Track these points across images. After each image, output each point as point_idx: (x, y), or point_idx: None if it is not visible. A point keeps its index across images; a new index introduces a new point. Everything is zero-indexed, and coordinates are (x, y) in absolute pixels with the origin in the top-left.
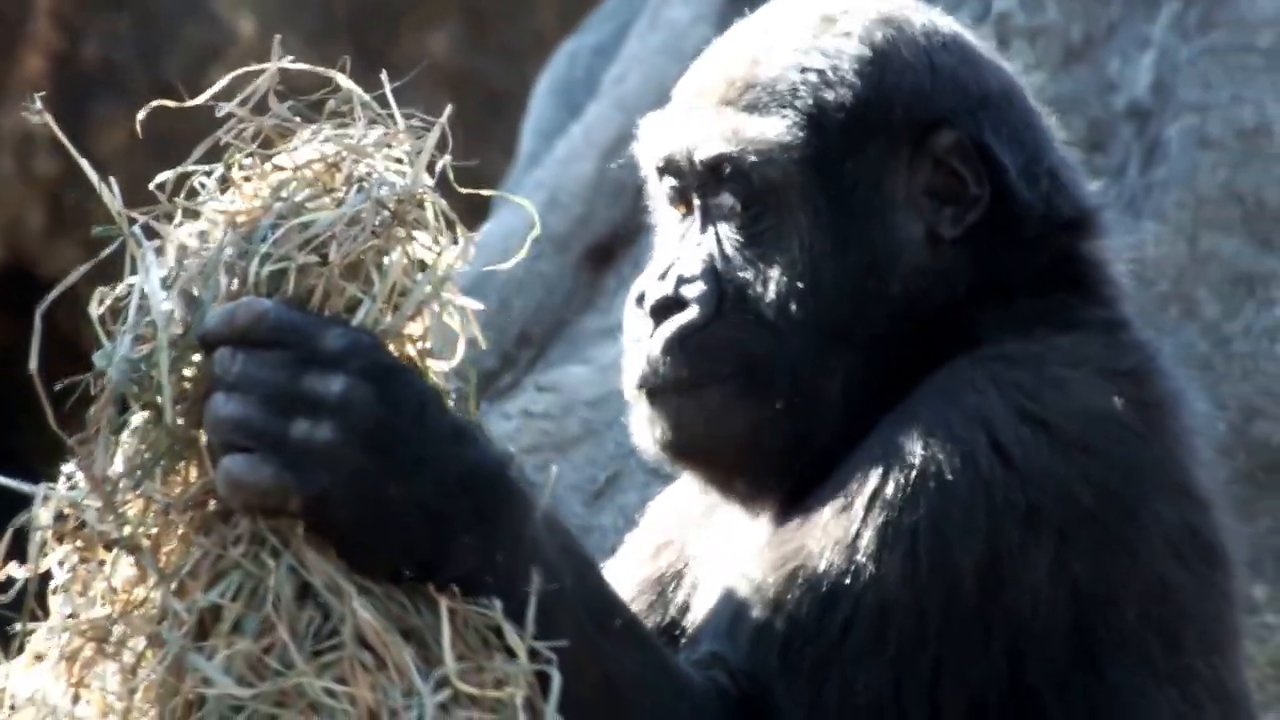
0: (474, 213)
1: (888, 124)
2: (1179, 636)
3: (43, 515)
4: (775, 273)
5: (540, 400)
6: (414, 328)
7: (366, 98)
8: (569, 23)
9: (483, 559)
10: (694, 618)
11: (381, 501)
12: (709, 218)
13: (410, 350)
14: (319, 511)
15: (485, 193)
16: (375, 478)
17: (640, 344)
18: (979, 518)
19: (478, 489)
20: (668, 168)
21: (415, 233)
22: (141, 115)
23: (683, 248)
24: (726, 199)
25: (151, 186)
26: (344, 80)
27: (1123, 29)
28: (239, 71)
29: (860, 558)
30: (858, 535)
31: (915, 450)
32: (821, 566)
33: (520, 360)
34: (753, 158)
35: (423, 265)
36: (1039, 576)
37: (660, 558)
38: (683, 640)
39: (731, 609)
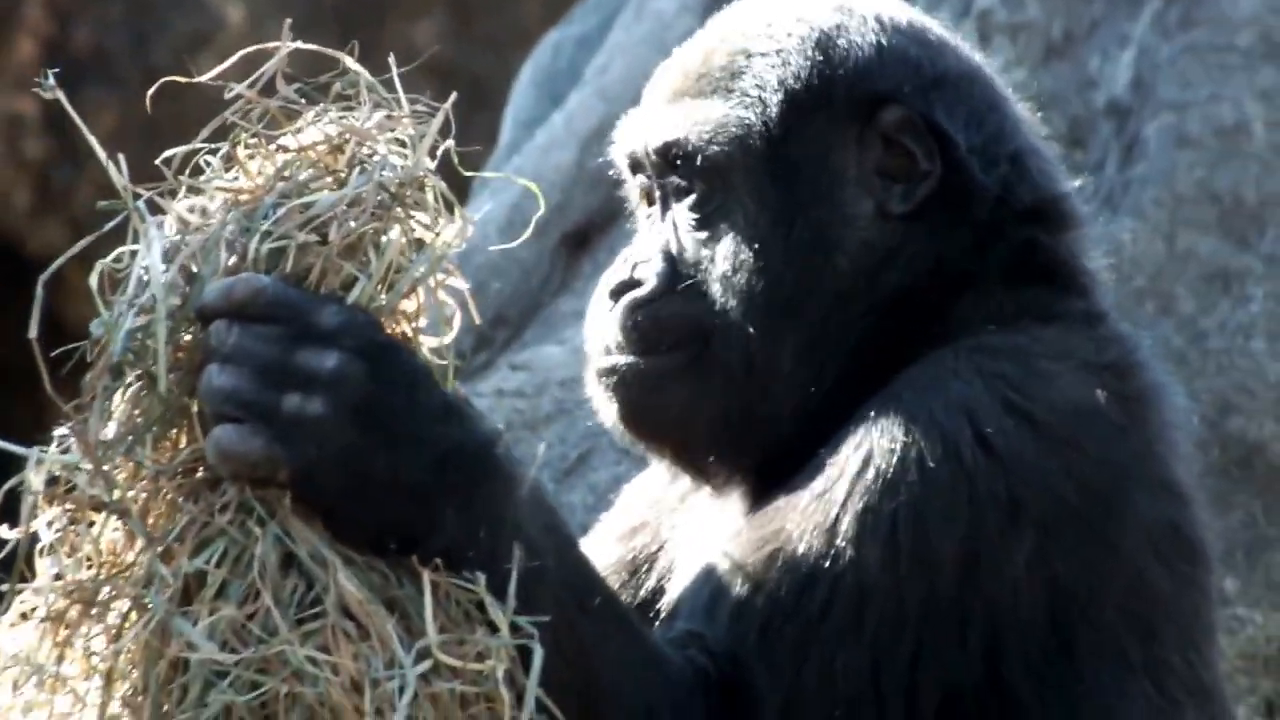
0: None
1: (829, 101)
2: (1156, 631)
3: (34, 478)
4: (723, 250)
5: (514, 379)
6: (409, 305)
7: (373, 81)
8: (552, 14)
9: (466, 534)
10: (668, 600)
11: (368, 475)
12: (666, 205)
13: (405, 328)
14: (306, 483)
15: (487, 175)
16: (363, 452)
17: (599, 321)
18: (960, 507)
19: (463, 465)
20: (632, 163)
21: (414, 214)
22: (152, 91)
23: (645, 237)
24: (678, 183)
25: (158, 162)
26: (351, 63)
27: (1103, 27)
28: (245, 50)
29: (840, 542)
30: (838, 519)
31: (898, 437)
32: (801, 548)
33: (496, 340)
34: (695, 140)
35: (420, 245)
36: (1018, 569)
37: (634, 539)
38: (657, 621)
39: (709, 589)
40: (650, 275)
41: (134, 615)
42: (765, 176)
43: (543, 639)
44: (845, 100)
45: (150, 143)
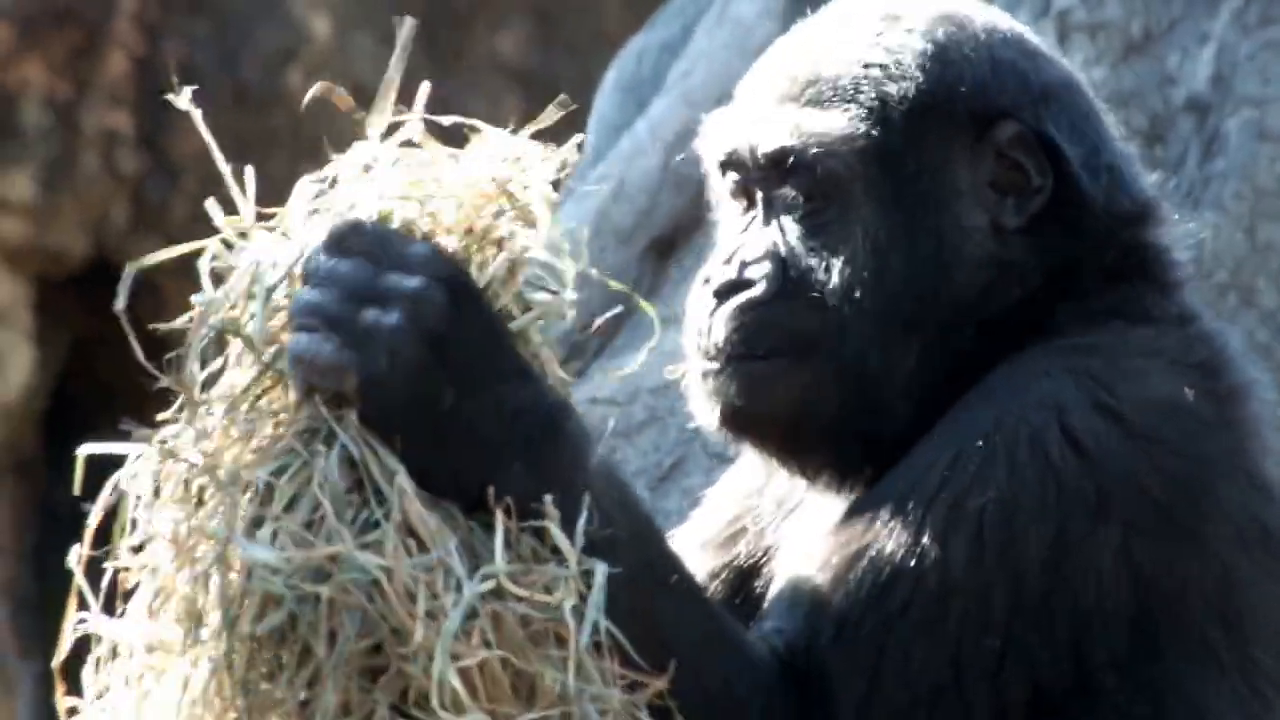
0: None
1: (950, 116)
2: (1244, 628)
3: (138, 473)
4: (839, 261)
5: (606, 386)
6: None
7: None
8: (633, 20)
9: (534, 490)
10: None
11: (437, 408)
12: (771, 210)
13: None
14: (375, 397)
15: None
16: (434, 379)
17: (703, 321)
18: (1048, 505)
19: (534, 424)
20: (730, 163)
21: (524, 240)
22: (315, 92)
23: (745, 238)
24: (789, 191)
25: (306, 178)
26: (484, 126)
27: (1183, 24)
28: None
29: (926, 539)
30: (924, 517)
31: (986, 434)
32: (887, 546)
33: (588, 348)
34: (816, 150)
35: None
36: (1105, 566)
37: (735, 546)
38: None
39: (793, 586)
40: (760, 278)
41: (204, 548)
42: (886, 190)
43: (617, 612)
44: (965, 115)
45: (239, 159)
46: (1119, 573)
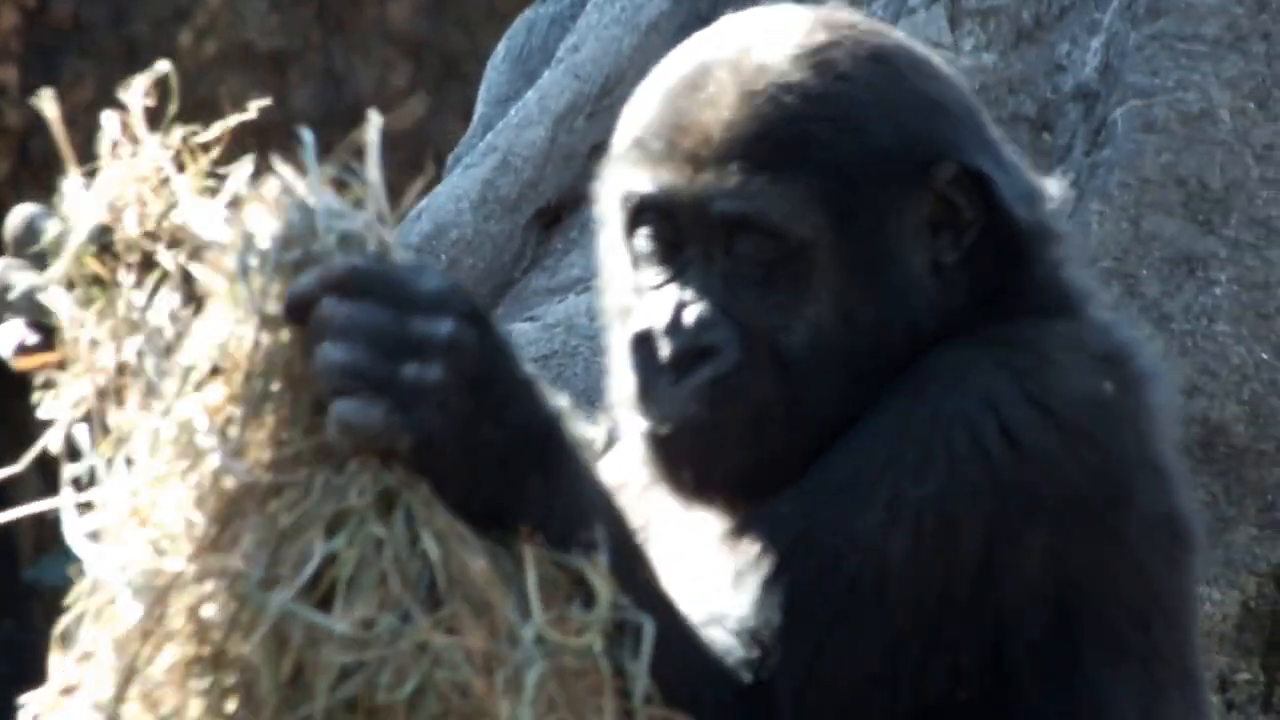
0: (427, 175)
1: (900, 164)
2: (1150, 619)
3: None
4: (803, 323)
5: None
6: None
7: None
8: None
9: (547, 505)
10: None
11: (476, 444)
12: (712, 266)
13: None
14: (427, 453)
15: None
16: (475, 419)
17: (660, 388)
18: (984, 498)
19: (546, 435)
20: (657, 213)
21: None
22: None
23: (681, 296)
24: (744, 252)
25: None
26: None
27: (1073, 13)
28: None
29: (866, 529)
30: (865, 507)
31: (923, 428)
32: (828, 536)
33: None
34: (776, 216)
35: None
36: (1033, 559)
37: None
38: None
39: (729, 572)
40: (720, 343)
41: (237, 606)
42: (847, 249)
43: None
44: (913, 162)
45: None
46: (1045, 567)
